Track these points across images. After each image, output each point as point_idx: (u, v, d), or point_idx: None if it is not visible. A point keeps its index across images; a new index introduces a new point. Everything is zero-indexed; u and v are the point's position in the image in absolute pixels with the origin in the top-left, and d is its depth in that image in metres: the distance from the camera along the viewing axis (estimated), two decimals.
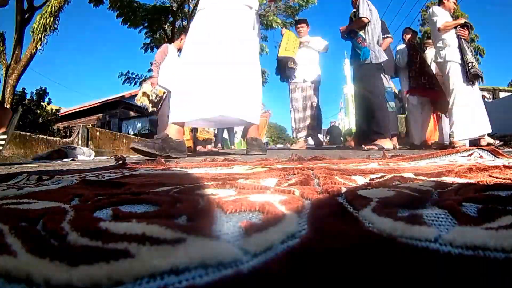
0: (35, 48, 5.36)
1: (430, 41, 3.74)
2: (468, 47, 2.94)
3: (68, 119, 13.84)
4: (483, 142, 2.86)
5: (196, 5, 7.90)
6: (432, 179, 0.58)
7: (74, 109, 14.75)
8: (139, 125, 12.70)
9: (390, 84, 4.03)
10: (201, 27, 2.04)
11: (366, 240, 0.25)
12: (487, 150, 1.31)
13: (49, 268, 0.20)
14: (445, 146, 3.11)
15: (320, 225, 0.29)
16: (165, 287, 0.19)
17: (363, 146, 2.93)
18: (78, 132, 4.30)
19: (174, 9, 7.63)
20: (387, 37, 3.56)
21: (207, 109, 1.88)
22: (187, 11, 8.04)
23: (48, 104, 8.84)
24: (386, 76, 3.77)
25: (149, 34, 8.48)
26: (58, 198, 0.45)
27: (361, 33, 3.02)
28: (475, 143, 2.94)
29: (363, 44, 3.00)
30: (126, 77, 8.85)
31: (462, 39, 2.95)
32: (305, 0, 8.13)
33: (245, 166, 1.05)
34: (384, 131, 2.92)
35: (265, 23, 8.05)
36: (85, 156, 3.13)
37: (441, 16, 3.06)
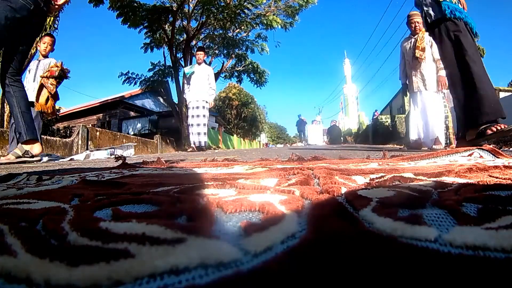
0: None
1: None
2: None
3: (68, 119, 13.84)
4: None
5: (196, 5, 7.92)
6: (432, 179, 0.58)
7: (74, 109, 14.75)
8: (139, 125, 12.71)
9: None
10: None
11: (366, 240, 0.25)
12: (487, 150, 1.31)
13: (49, 268, 0.20)
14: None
15: (320, 226, 0.29)
16: (165, 287, 0.19)
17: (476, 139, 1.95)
18: (78, 132, 4.30)
19: (174, 9, 7.62)
20: None
21: None
22: (187, 11, 8.04)
23: None
24: None
25: (149, 34, 8.48)
26: (58, 198, 0.45)
27: None
28: None
29: None
30: (126, 77, 8.86)
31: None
32: (305, 0, 8.13)
33: (245, 166, 1.05)
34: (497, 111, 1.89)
35: (265, 22, 8.06)
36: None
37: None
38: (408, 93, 3.55)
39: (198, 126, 5.04)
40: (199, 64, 5.17)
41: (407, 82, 3.47)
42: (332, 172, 0.71)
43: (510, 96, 6.38)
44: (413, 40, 3.33)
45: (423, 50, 3.24)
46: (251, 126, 23.51)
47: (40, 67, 3.40)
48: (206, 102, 5.10)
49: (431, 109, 3.29)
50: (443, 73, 3.11)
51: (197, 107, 5.06)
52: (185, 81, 5.29)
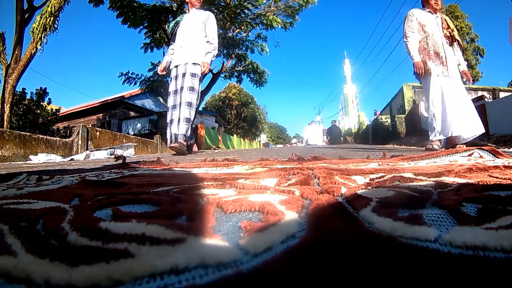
0: (35, 48, 5.36)
1: None
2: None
3: (68, 119, 13.85)
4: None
5: None
6: (432, 179, 0.58)
7: (74, 109, 14.75)
8: (139, 125, 12.70)
9: None
10: None
11: (366, 240, 0.25)
12: (487, 150, 1.31)
13: (49, 268, 0.20)
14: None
15: (320, 226, 0.29)
16: (165, 287, 0.19)
17: None
18: (78, 132, 4.30)
19: (174, 9, 7.62)
20: None
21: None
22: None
23: (48, 104, 8.84)
24: None
25: (149, 34, 8.49)
26: (58, 198, 0.45)
27: None
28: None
29: None
30: (126, 77, 8.86)
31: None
32: (305, 0, 8.14)
33: (245, 166, 1.05)
34: None
35: (265, 22, 8.06)
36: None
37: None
38: (424, 76, 2.63)
39: (174, 110, 2.85)
40: (191, 7, 3.10)
41: (426, 64, 2.59)
42: (332, 172, 0.71)
43: (510, 96, 6.38)
44: (437, 18, 2.72)
45: (458, 35, 2.72)
46: (251, 126, 23.53)
47: None
48: (196, 65, 2.88)
49: (469, 99, 2.60)
50: (465, 67, 2.74)
51: (176, 77, 2.89)
52: (171, 41, 3.17)
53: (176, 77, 2.91)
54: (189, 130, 2.90)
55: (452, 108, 2.49)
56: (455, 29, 2.70)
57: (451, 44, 2.67)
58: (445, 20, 2.72)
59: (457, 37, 2.65)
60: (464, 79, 2.68)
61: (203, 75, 3.08)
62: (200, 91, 3.04)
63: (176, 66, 2.93)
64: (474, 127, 2.46)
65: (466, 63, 2.78)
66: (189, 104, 2.81)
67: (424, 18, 2.74)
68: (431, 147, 2.52)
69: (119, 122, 13.18)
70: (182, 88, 2.83)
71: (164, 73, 3.18)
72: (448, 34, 2.66)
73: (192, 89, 2.83)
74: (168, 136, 2.91)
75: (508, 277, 0.19)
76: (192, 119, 2.90)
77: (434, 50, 2.63)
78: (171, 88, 2.95)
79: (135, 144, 5.27)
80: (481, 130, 2.47)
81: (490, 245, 0.22)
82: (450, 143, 2.54)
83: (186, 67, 2.88)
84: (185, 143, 2.85)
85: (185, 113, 2.81)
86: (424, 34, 2.70)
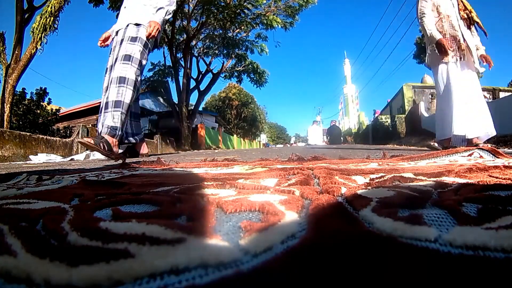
0: (35, 48, 5.36)
1: None
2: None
3: (68, 119, 13.84)
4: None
5: (196, 5, 7.92)
6: (432, 179, 0.58)
7: (74, 109, 14.75)
8: None
9: None
10: None
11: (366, 240, 0.25)
12: (487, 150, 1.31)
13: (49, 268, 0.20)
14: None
15: (320, 226, 0.29)
16: (165, 287, 0.19)
17: None
18: (78, 132, 4.30)
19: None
20: None
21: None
22: (187, 11, 8.05)
23: (48, 104, 8.84)
24: None
25: None
26: (58, 198, 0.45)
27: None
28: None
29: None
30: None
31: None
32: (305, 0, 8.14)
33: (245, 166, 1.05)
34: None
35: (265, 22, 8.06)
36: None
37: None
38: (438, 64, 2.35)
39: (108, 91, 2.01)
40: None
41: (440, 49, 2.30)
42: (332, 172, 0.71)
43: (510, 96, 6.38)
44: None
45: (477, 17, 2.43)
46: (251, 126, 23.54)
47: None
48: (140, 26, 2.14)
49: (481, 93, 2.35)
50: (484, 51, 2.44)
51: (113, 48, 2.16)
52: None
53: (113, 49, 2.12)
54: (121, 120, 1.96)
55: (466, 105, 2.21)
56: (473, 10, 2.43)
57: (469, 27, 2.41)
58: (461, 1, 2.46)
59: (476, 19, 2.38)
60: (484, 63, 2.42)
61: (153, 41, 2.21)
62: (143, 63, 2.16)
63: (117, 32, 2.16)
64: (485, 126, 2.24)
65: (484, 47, 2.47)
66: (121, 80, 1.92)
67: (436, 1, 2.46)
68: (432, 144, 2.43)
69: None
70: (116, 59, 2.02)
71: (105, 44, 2.33)
72: (466, 16, 2.39)
73: (128, 58, 1.99)
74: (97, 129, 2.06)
75: (508, 277, 0.19)
76: (126, 101, 1.97)
77: (450, 34, 2.35)
78: (108, 63, 2.14)
79: None
80: (492, 131, 2.25)
81: (490, 245, 0.22)
82: (471, 143, 2.26)
83: (125, 31, 2.09)
84: (111, 139, 1.92)
85: (113, 94, 1.93)
86: (438, 16, 2.42)
